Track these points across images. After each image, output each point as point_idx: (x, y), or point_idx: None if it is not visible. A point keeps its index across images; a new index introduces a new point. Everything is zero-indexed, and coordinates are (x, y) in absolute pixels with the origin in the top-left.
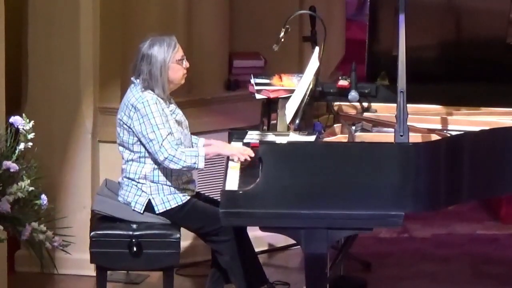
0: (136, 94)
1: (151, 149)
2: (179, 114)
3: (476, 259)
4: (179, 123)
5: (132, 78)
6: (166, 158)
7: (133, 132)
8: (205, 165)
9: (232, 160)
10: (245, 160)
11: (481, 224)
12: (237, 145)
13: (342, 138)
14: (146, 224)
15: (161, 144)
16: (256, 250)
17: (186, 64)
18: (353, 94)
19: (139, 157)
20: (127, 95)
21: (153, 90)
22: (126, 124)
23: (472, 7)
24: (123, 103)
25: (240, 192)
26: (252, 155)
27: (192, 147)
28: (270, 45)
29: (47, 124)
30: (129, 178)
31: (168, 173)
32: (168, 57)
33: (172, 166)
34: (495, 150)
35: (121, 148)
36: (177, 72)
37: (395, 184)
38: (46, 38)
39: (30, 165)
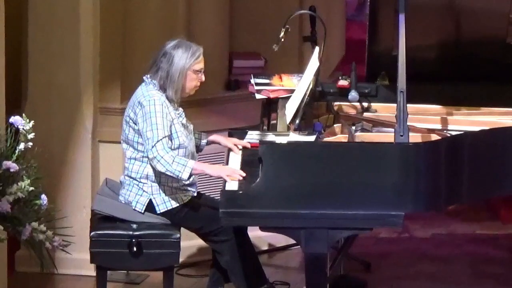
0: (145, 92)
1: (145, 147)
2: (185, 118)
3: (476, 259)
4: (185, 126)
5: (144, 77)
6: (155, 157)
7: (138, 130)
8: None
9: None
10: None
11: (481, 224)
12: (233, 165)
13: (342, 138)
14: (146, 224)
15: (155, 144)
16: (256, 250)
17: (202, 77)
18: (353, 94)
19: (142, 156)
20: (136, 93)
21: (165, 90)
22: (132, 121)
23: (472, 7)
24: (132, 100)
25: (240, 192)
26: (244, 175)
27: (196, 149)
28: (270, 45)
29: (47, 124)
30: (130, 177)
31: None
32: (189, 64)
33: (159, 167)
34: (495, 150)
35: (124, 145)
36: (191, 82)
37: (395, 184)
38: (46, 38)
39: (30, 165)
